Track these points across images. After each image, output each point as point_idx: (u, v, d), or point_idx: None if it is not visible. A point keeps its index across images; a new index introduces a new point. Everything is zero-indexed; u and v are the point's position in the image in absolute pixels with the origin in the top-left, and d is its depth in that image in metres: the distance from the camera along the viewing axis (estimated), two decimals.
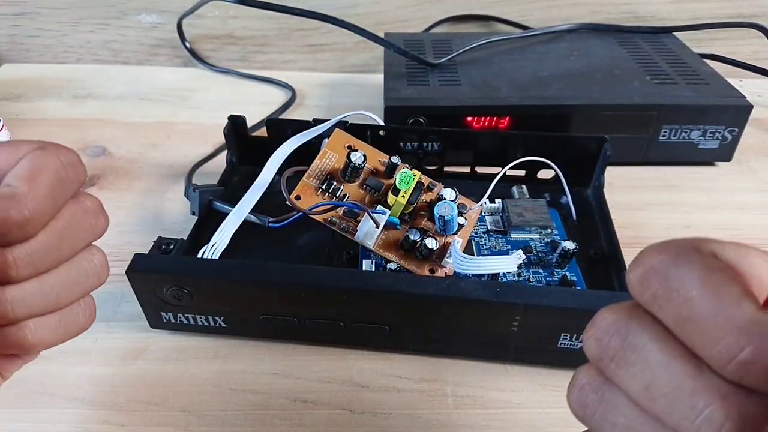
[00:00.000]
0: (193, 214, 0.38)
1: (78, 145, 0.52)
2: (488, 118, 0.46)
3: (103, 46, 0.67)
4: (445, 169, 0.44)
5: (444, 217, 0.32)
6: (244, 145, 0.44)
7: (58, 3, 0.64)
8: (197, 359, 0.33)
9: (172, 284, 0.30)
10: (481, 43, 0.55)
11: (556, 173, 0.39)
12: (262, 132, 0.44)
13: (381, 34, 0.54)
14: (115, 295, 0.37)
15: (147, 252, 0.33)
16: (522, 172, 0.42)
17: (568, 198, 0.40)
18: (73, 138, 0.53)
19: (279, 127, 0.42)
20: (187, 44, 0.65)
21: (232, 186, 0.42)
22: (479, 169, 0.44)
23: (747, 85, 0.55)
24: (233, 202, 0.37)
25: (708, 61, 0.54)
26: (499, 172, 0.42)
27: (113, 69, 0.67)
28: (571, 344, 0.30)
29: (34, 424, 0.30)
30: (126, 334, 0.34)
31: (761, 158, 0.51)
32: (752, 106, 0.46)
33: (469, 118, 0.47)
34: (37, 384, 0.32)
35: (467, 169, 0.44)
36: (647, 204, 0.45)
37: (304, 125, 0.41)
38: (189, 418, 0.30)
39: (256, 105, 0.59)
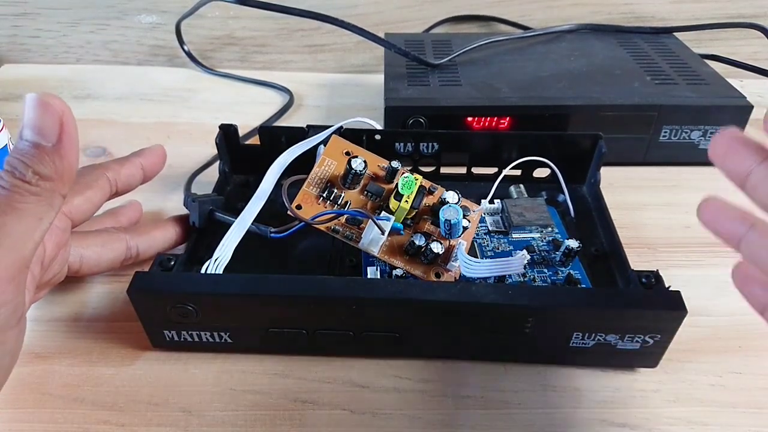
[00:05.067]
0: (194, 225, 0.37)
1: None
2: (489, 118, 0.47)
3: (103, 46, 0.67)
4: (441, 170, 0.44)
5: (450, 221, 0.32)
6: (236, 154, 0.43)
7: (58, 3, 0.64)
8: (197, 359, 0.33)
9: (176, 302, 0.30)
10: (481, 43, 0.55)
11: (553, 171, 0.39)
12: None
13: (381, 35, 0.54)
14: (115, 296, 0.37)
15: (148, 268, 0.32)
16: (518, 172, 0.42)
17: (566, 196, 0.40)
18: None
19: (272, 135, 0.42)
20: (187, 45, 0.65)
21: (226, 195, 0.41)
22: (475, 170, 0.44)
23: (747, 85, 0.55)
24: (228, 212, 0.36)
25: (708, 62, 0.54)
26: (496, 173, 0.42)
27: (113, 69, 0.67)
28: (583, 343, 0.30)
29: (34, 424, 0.30)
30: (126, 334, 0.34)
31: None
32: (752, 107, 0.46)
33: (470, 119, 0.47)
34: (37, 384, 0.32)
35: (463, 170, 0.44)
36: (647, 204, 0.45)
37: (297, 132, 0.41)
38: (189, 418, 0.30)
39: (257, 105, 0.59)
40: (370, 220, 0.32)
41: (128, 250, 0.35)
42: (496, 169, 0.43)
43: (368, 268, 0.34)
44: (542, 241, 0.37)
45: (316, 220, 0.33)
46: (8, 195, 0.24)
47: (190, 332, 0.32)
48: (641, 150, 0.48)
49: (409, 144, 0.42)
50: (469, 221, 0.35)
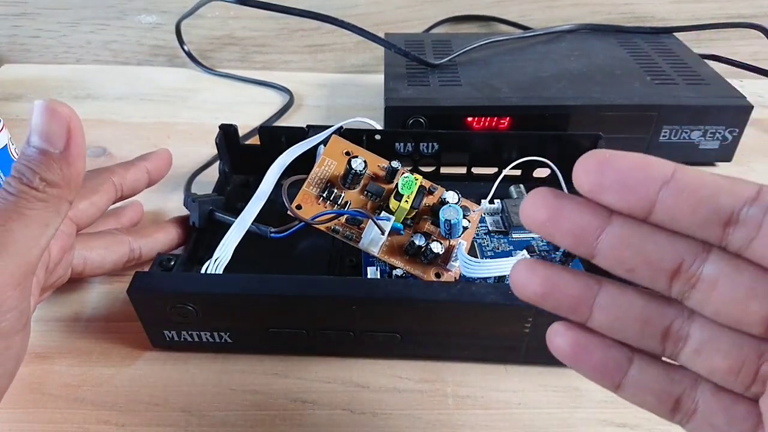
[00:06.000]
0: (193, 224, 0.37)
1: None
2: (489, 118, 0.47)
3: (103, 46, 0.67)
4: (441, 170, 0.44)
5: (450, 221, 0.32)
6: (237, 154, 0.43)
7: (59, 3, 0.64)
8: (197, 359, 0.33)
9: (176, 302, 0.30)
10: (481, 43, 0.55)
11: (553, 172, 0.39)
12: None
13: (381, 35, 0.54)
14: (115, 296, 0.37)
15: (148, 268, 0.32)
16: (518, 172, 0.42)
17: None
18: None
19: (272, 135, 0.42)
20: (187, 45, 0.65)
21: (226, 195, 0.41)
22: (475, 170, 0.44)
23: (747, 85, 0.55)
24: (228, 212, 0.36)
25: (708, 62, 0.54)
26: (496, 173, 0.42)
27: (113, 69, 0.67)
28: None
29: (34, 424, 0.30)
30: (126, 334, 0.34)
31: (762, 159, 0.51)
32: (752, 107, 0.46)
33: (470, 119, 0.47)
34: (37, 384, 0.32)
35: (463, 170, 0.44)
36: None
37: (297, 132, 0.41)
38: (189, 419, 0.30)
39: (256, 105, 0.59)
40: (370, 220, 0.32)
41: (131, 252, 0.35)
42: (496, 169, 0.43)
43: (368, 268, 0.34)
44: (542, 241, 0.37)
45: (316, 220, 0.33)
46: (15, 201, 0.24)
47: (190, 332, 0.32)
48: (641, 150, 0.48)
49: (409, 144, 0.42)
50: (469, 221, 0.35)
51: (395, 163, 0.35)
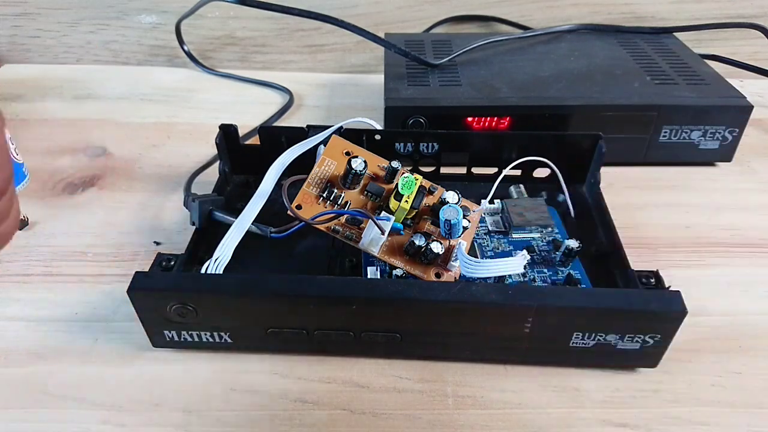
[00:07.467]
0: (194, 224, 0.37)
1: (78, 146, 0.52)
2: (488, 118, 0.46)
3: (104, 46, 0.67)
4: (441, 170, 0.44)
5: (450, 221, 0.32)
6: (237, 154, 0.43)
7: (59, 3, 0.64)
8: (197, 359, 0.33)
9: (176, 302, 0.30)
10: (481, 43, 0.55)
11: (553, 171, 0.39)
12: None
13: (381, 35, 0.54)
14: (115, 296, 0.37)
15: (148, 268, 0.32)
16: (518, 172, 0.42)
17: (566, 196, 0.40)
18: (74, 138, 0.53)
19: (272, 135, 0.42)
20: (187, 45, 0.65)
21: (226, 195, 0.41)
22: (475, 170, 0.44)
23: (747, 85, 0.55)
24: (228, 212, 0.36)
25: (708, 62, 0.54)
26: (496, 173, 0.42)
27: (113, 69, 0.67)
28: (583, 343, 0.30)
29: (34, 424, 0.30)
30: (126, 334, 0.34)
31: (762, 158, 0.51)
32: (752, 107, 0.46)
33: (470, 119, 0.47)
34: (37, 384, 0.32)
35: (463, 170, 0.44)
36: (647, 204, 0.45)
37: (297, 132, 0.41)
38: (189, 418, 0.30)
39: (257, 105, 0.59)
40: (370, 220, 0.32)
41: None
42: (496, 169, 0.43)
43: (368, 268, 0.34)
44: (542, 241, 0.37)
45: (316, 220, 0.33)
46: None
47: (190, 332, 0.32)
48: (641, 150, 0.48)
49: (409, 144, 0.42)
50: (469, 221, 0.35)
51: (395, 163, 0.35)
